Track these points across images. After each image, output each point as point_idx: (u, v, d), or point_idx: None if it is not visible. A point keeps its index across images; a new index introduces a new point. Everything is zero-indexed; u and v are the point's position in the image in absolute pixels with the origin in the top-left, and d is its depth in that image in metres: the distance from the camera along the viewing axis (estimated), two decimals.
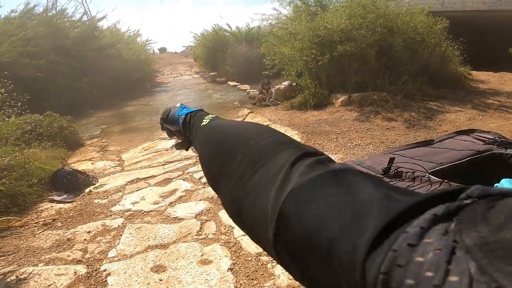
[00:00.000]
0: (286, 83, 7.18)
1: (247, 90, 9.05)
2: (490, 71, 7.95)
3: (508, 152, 0.89)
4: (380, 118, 4.91)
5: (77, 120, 6.20)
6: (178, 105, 0.63)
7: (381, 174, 0.79)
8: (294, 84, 7.03)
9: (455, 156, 0.91)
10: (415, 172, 0.77)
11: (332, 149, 3.84)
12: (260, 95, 7.29)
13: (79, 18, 10.09)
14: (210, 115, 0.54)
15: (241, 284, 1.79)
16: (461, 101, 5.73)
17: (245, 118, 5.93)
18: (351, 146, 3.86)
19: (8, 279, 2.02)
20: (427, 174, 0.76)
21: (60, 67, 7.55)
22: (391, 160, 0.81)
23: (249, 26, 12.95)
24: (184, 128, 0.59)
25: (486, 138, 1.03)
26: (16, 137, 3.53)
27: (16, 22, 7.17)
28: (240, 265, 1.95)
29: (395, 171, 0.79)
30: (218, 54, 12.67)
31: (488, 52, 7.86)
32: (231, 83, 10.87)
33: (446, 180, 0.74)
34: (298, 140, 4.15)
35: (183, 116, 0.59)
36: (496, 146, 0.95)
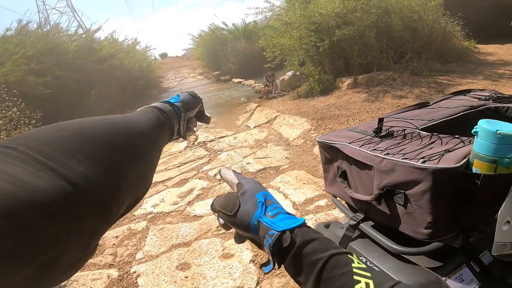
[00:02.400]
0: (289, 73, 7.12)
1: (252, 85, 9.03)
2: (496, 44, 7.66)
3: (504, 105, 0.87)
4: (390, 97, 4.81)
5: None
6: (251, 192, 0.44)
7: (372, 136, 0.79)
8: (298, 73, 6.98)
9: (448, 113, 0.90)
10: (405, 129, 0.77)
11: None
12: (266, 88, 7.27)
13: (75, 31, 10.28)
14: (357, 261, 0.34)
15: (263, 275, 1.81)
16: (471, 73, 5.55)
17: (253, 113, 5.93)
18: None
19: None
20: (417, 130, 0.76)
21: (67, 82, 7.72)
22: (381, 120, 0.82)
23: (245, 22, 12.88)
24: (280, 256, 0.38)
25: (482, 95, 1.02)
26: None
27: (14, 41, 7.34)
28: (261, 257, 1.97)
29: (387, 130, 0.80)
30: (219, 53, 12.68)
31: (491, 26, 7.58)
32: (236, 80, 10.87)
33: (435, 133, 0.72)
34: (308, 127, 4.14)
35: (275, 232, 0.37)
36: (491, 101, 0.93)
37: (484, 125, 0.54)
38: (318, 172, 2.98)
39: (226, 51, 12.10)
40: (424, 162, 0.60)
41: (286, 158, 3.47)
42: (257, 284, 1.77)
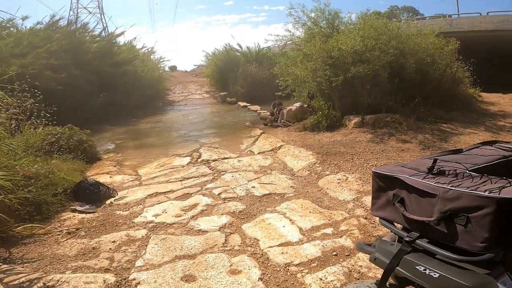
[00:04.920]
0: (297, 104, 7.32)
1: (258, 111, 9.22)
2: (499, 93, 8.09)
3: None
4: (394, 140, 4.97)
5: (92, 134, 6.33)
6: None
7: (426, 172, 0.95)
8: (306, 105, 7.17)
9: (484, 159, 1.08)
10: (456, 169, 0.95)
11: (349, 169, 3.88)
12: (272, 116, 7.44)
13: (99, 33, 10.57)
14: None
15: None
16: (473, 123, 5.82)
17: (257, 139, 6.01)
18: (368, 166, 3.89)
19: (35, 286, 2.00)
20: (467, 171, 0.94)
21: (79, 81, 7.82)
22: (435, 161, 0.98)
23: (259, 47, 13.36)
24: None
25: (508, 147, 1.22)
26: (42, 148, 3.62)
27: (41, 34, 7.52)
28: (269, 275, 1.95)
29: (438, 169, 0.95)
30: (229, 74, 12.99)
31: (497, 73, 8.03)
32: (241, 103, 11.10)
33: (485, 174, 0.90)
34: (313, 160, 4.21)
35: None
36: None
37: None
38: (323, 204, 3.01)
39: (237, 73, 12.43)
40: (490, 193, 0.79)
41: (291, 186, 3.51)
42: None
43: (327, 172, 3.80)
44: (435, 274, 0.85)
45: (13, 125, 3.25)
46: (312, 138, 5.58)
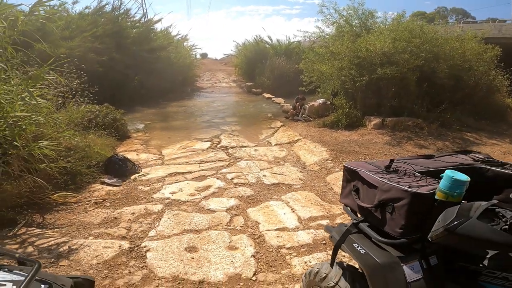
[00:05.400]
0: (320, 100, 7.36)
1: (281, 104, 9.35)
2: None
3: (487, 167, 1.16)
4: (411, 145, 4.93)
5: (124, 114, 6.84)
6: None
7: (382, 170, 1.15)
8: (329, 102, 7.19)
9: (442, 165, 1.21)
10: (406, 170, 1.13)
11: None
12: (293, 110, 7.55)
13: (139, 19, 11.14)
14: None
15: (261, 269, 2.05)
16: (500, 134, 5.56)
17: (277, 131, 6.20)
18: None
19: (61, 249, 2.32)
20: (415, 172, 1.11)
21: (118, 65, 8.42)
22: (391, 161, 1.18)
23: (290, 40, 13.35)
24: None
25: (478, 157, 1.31)
26: (81, 123, 4.09)
27: (88, 19, 8.15)
28: (262, 254, 2.20)
29: (394, 168, 1.15)
30: (257, 65, 13.15)
31: None
32: (266, 95, 11.25)
33: (424, 175, 1.07)
34: (326, 156, 4.33)
35: None
36: (480, 163, 1.23)
37: (448, 173, 0.91)
38: (326, 197, 3.17)
39: (264, 65, 12.56)
40: (409, 187, 0.97)
41: (299, 179, 3.69)
42: (254, 274, 2.00)
43: (337, 169, 3.92)
44: (362, 251, 1.05)
45: (59, 101, 3.72)
46: (330, 135, 5.66)
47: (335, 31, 7.35)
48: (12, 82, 2.84)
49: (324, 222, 2.61)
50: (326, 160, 4.28)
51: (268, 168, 4.04)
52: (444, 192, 0.91)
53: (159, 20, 11.52)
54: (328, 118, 6.45)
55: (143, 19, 11.28)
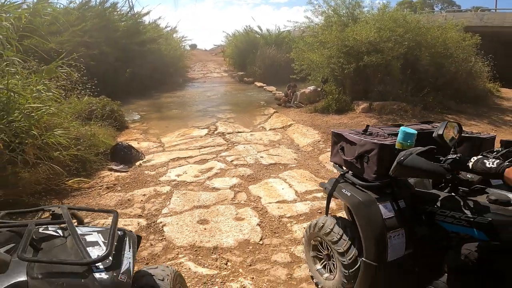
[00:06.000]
0: (311, 87, 7.64)
1: (273, 92, 9.58)
2: None
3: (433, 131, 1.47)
4: None
5: (121, 106, 6.97)
6: None
7: (360, 133, 1.47)
8: (319, 89, 7.48)
9: None
10: (378, 132, 1.46)
11: None
12: (285, 97, 7.80)
13: (126, 12, 11.03)
14: None
15: (266, 235, 2.35)
16: (479, 116, 5.97)
17: (270, 117, 6.46)
18: None
19: None
20: (384, 133, 1.45)
21: (109, 58, 8.43)
22: (367, 126, 1.52)
23: (279, 30, 13.49)
24: None
25: (436, 126, 1.61)
26: (82, 115, 4.25)
27: (75, 13, 8.07)
28: (265, 223, 2.50)
29: (369, 132, 1.47)
30: (248, 55, 13.27)
31: None
32: (258, 84, 11.44)
33: (391, 136, 1.41)
34: (318, 138, 4.65)
35: None
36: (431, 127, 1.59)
37: (402, 128, 1.25)
38: (320, 174, 3.49)
39: (255, 54, 12.69)
40: (378, 141, 1.27)
41: (294, 159, 3.99)
42: (261, 239, 2.30)
43: (328, 149, 4.16)
44: (348, 193, 1.36)
45: (63, 94, 3.86)
46: (321, 119, 5.96)
47: (323, 21, 7.58)
48: (17, 76, 2.99)
49: (319, 195, 2.91)
50: (318, 141, 4.59)
51: (264, 150, 4.32)
52: (400, 142, 1.24)
53: (148, 12, 11.48)
54: (319, 104, 6.74)
55: (130, 12, 11.19)
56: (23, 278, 0.81)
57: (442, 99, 6.45)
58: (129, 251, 1.00)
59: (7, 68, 2.71)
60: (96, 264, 0.86)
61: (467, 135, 1.46)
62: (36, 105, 2.84)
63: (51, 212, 1.08)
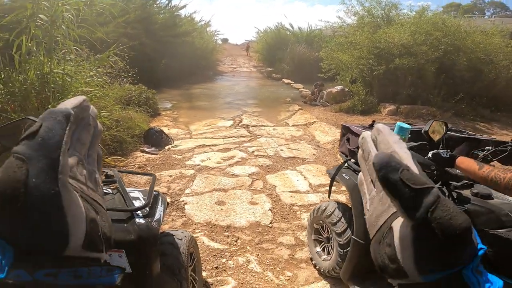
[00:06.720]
0: (338, 87, 7.65)
1: (300, 89, 9.66)
2: None
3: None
4: None
5: (155, 94, 7.46)
6: None
7: (366, 127, 1.60)
8: (346, 89, 7.47)
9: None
10: None
11: None
12: (311, 95, 7.88)
13: (165, 5, 11.62)
14: None
15: (276, 219, 2.56)
16: None
17: (294, 113, 6.59)
18: None
19: None
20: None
21: (147, 49, 8.99)
22: (373, 121, 1.62)
23: (311, 28, 13.45)
24: None
25: None
26: (124, 100, 4.69)
27: (120, 5, 8.70)
28: (277, 209, 2.70)
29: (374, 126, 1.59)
30: (277, 52, 13.41)
31: None
32: (286, 81, 11.55)
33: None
34: (339, 137, 4.74)
35: None
36: None
37: (397, 123, 1.34)
38: None
39: (285, 52, 12.80)
40: None
41: (313, 154, 4.14)
42: (270, 223, 2.52)
43: None
44: (347, 177, 1.52)
45: (108, 80, 4.30)
46: (345, 119, 6.00)
47: (356, 22, 7.54)
48: (71, 63, 3.42)
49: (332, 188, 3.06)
50: (339, 140, 4.68)
51: (285, 144, 4.50)
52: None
53: (184, 6, 11.97)
54: (345, 104, 6.77)
55: (168, 6, 11.74)
56: None
57: (476, 107, 6.20)
58: (161, 206, 1.25)
59: (67, 56, 3.13)
60: (137, 212, 1.12)
61: (466, 136, 1.55)
62: (86, 89, 3.25)
63: (105, 173, 1.37)
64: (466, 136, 1.53)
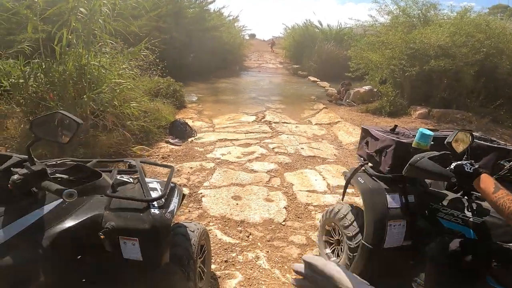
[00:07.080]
0: (366, 87, 7.40)
1: (326, 88, 9.46)
2: None
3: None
4: None
5: (182, 87, 7.66)
6: None
7: (387, 131, 1.56)
8: (375, 90, 7.21)
9: (437, 134, 1.61)
10: (404, 133, 1.53)
11: None
12: (338, 94, 7.70)
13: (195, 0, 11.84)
14: None
15: (290, 218, 2.57)
16: None
17: (318, 112, 6.49)
18: None
19: None
20: (410, 134, 1.52)
21: (176, 42, 9.23)
22: (395, 126, 1.59)
23: (341, 26, 13.07)
24: None
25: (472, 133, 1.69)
26: (152, 92, 4.89)
27: (151, 0, 8.99)
28: (292, 208, 2.71)
29: (396, 132, 1.56)
30: (305, 49, 13.20)
31: None
32: (312, 78, 11.37)
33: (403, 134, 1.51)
34: None
35: None
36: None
37: (420, 129, 1.30)
38: None
39: (312, 49, 12.56)
40: (396, 138, 1.40)
41: (334, 155, 4.07)
42: (284, 221, 2.53)
43: None
44: (362, 181, 1.49)
45: (139, 73, 4.52)
46: (371, 120, 5.82)
47: (389, 21, 7.22)
48: (106, 56, 3.62)
49: (349, 191, 2.99)
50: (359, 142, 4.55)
51: (306, 142, 4.47)
52: (417, 142, 1.30)
53: (213, 0, 12.12)
54: (372, 105, 6.55)
55: (198, 0, 11.93)
56: (101, 211, 1.11)
57: None
58: (176, 198, 1.31)
59: (103, 49, 3.32)
60: (154, 203, 1.18)
61: (494, 145, 1.45)
62: (119, 81, 3.43)
63: (128, 163, 1.45)
64: (495, 146, 1.44)
